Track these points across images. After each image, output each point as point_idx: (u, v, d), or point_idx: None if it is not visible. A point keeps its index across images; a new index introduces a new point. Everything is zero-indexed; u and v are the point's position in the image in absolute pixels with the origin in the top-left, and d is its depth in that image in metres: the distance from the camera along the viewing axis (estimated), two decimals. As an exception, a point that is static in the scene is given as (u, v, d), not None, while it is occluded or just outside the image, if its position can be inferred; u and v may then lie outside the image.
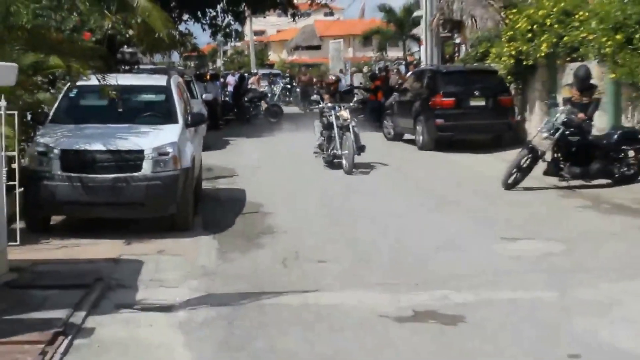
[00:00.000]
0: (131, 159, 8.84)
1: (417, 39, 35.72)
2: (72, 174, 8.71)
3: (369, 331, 5.79)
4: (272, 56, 73.15)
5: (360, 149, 13.43)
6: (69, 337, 5.51)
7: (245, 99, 26.52)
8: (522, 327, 5.81)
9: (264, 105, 27.26)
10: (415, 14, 32.52)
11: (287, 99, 35.15)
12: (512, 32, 17.56)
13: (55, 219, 9.55)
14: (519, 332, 5.70)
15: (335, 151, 13.74)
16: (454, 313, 6.11)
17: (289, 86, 36.87)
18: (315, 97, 15.60)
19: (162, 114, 9.92)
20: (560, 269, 7.39)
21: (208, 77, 25.60)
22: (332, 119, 13.84)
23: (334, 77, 16.76)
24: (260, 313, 6.16)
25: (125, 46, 13.45)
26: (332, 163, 13.87)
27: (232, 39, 29.63)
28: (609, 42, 13.08)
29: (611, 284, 6.82)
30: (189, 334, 5.72)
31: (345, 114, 13.71)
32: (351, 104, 14.69)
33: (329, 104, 14.27)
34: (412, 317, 6.08)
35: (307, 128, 22.24)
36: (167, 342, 5.58)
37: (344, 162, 13.39)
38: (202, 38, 76.90)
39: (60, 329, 5.58)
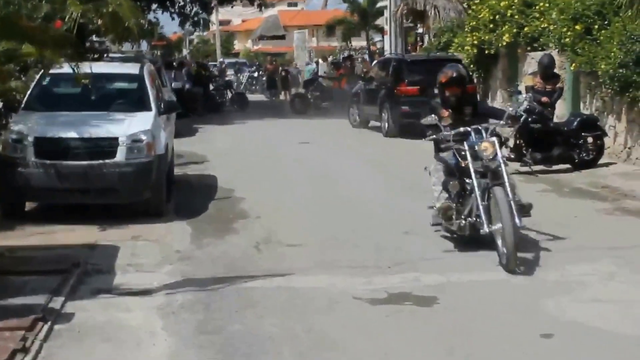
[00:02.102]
0: (105, 146, 8.86)
1: (380, 29, 35.94)
2: (47, 161, 8.73)
3: (345, 313, 5.88)
4: (238, 45, 72.76)
5: (523, 210, 7.27)
6: (49, 323, 5.51)
7: (211, 87, 26.52)
8: (494, 308, 5.93)
9: (229, 93, 27.33)
10: (380, 4, 32.71)
11: (254, 87, 35.22)
12: (474, 22, 17.83)
13: (30, 205, 9.52)
14: (490, 313, 5.83)
15: (475, 219, 7.33)
16: (426, 295, 6.22)
17: (255, 75, 36.91)
18: (430, 118, 7.75)
19: (135, 101, 9.91)
20: (526, 252, 7.47)
21: (175, 65, 25.52)
22: (467, 158, 7.33)
23: (452, 72, 7.91)
24: (236, 297, 6.22)
25: (94, 35, 13.29)
26: (463, 237, 7.61)
27: (200, 28, 29.56)
28: (569, 33, 13.36)
29: (576, 265, 6.97)
30: (167, 318, 5.77)
31: (490, 146, 7.25)
32: (496, 126, 7.65)
33: (459, 129, 7.52)
34: (386, 299, 6.18)
35: (272, 115, 22.41)
36: (146, 326, 5.62)
37: (499, 245, 7.00)
38: (169, 27, 75.98)
39: (39, 315, 5.57)
